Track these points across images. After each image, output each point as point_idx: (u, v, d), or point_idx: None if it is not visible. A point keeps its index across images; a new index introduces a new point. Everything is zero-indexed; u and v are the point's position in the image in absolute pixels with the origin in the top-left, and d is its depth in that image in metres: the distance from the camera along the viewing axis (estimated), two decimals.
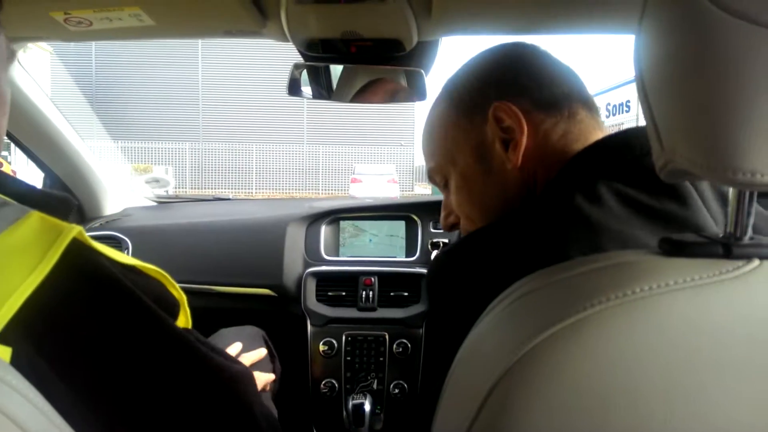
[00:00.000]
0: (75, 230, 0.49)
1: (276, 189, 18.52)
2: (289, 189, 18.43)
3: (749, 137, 0.32)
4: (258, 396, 0.70)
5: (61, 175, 1.51)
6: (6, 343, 0.41)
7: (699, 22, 0.33)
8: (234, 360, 0.68)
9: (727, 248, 0.37)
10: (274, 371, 1.15)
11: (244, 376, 0.66)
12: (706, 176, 0.34)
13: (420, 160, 20.77)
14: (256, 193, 18.13)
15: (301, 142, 19.09)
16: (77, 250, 0.49)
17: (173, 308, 0.65)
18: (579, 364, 0.35)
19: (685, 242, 0.38)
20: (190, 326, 0.70)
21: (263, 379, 1.04)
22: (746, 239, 0.37)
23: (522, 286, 0.42)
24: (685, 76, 0.34)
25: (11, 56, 0.63)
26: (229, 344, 1.08)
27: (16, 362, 0.41)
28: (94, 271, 0.51)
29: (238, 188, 17.98)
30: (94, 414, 0.49)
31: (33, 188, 0.59)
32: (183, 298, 0.67)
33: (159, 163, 17.35)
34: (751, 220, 0.37)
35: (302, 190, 18.34)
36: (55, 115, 1.37)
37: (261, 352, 1.10)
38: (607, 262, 0.39)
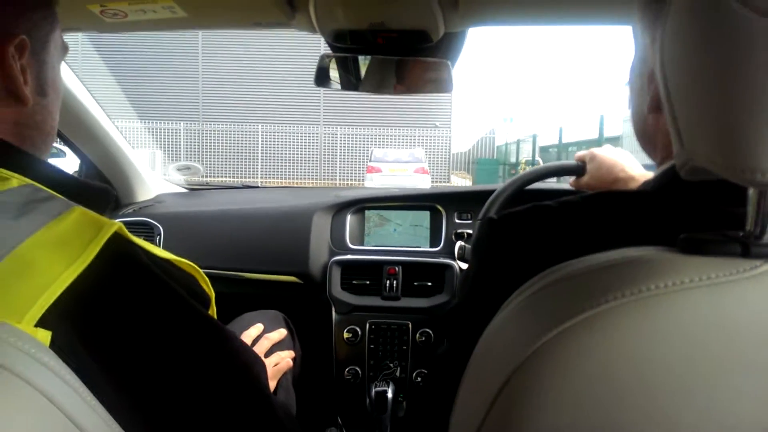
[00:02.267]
0: (115, 226, 0.52)
1: (286, 177, 15.86)
2: (301, 177, 15.84)
3: (766, 137, 0.32)
4: (267, 385, 0.71)
5: (96, 161, 1.56)
6: (46, 327, 0.43)
7: (723, 21, 0.33)
8: (251, 349, 0.71)
9: (746, 247, 0.37)
10: (295, 351, 1.17)
11: (261, 363, 0.69)
12: (724, 175, 0.34)
13: (458, 146, 18.33)
14: (262, 182, 15.28)
15: (317, 122, 16.05)
16: (117, 244, 0.51)
17: (204, 302, 0.67)
18: (591, 360, 0.35)
19: (704, 240, 0.38)
20: None
21: (284, 356, 1.07)
22: (766, 239, 0.37)
23: (539, 280, 0.43)
24: (708, 75, 0.34)
25: (65, 50, 0.66)
26: (251, 326, 1.11)
27: (55, 346, 0.43)
28: (131, 263, 0.53)
29: (240, 175, 15.18)
30: (124, 392, 0.51)
31: (74, 179, 0.62)
32: (212, 294, 0.70)
33: (144, 146, 14.51)
34: None
35: (316, 178, 15.81)
36: (90, 102, 1.41)
37: (282, 332, 1.13)
38: (624, 258, 0.39)
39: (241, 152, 15.86)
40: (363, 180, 13.79)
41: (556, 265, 0.43)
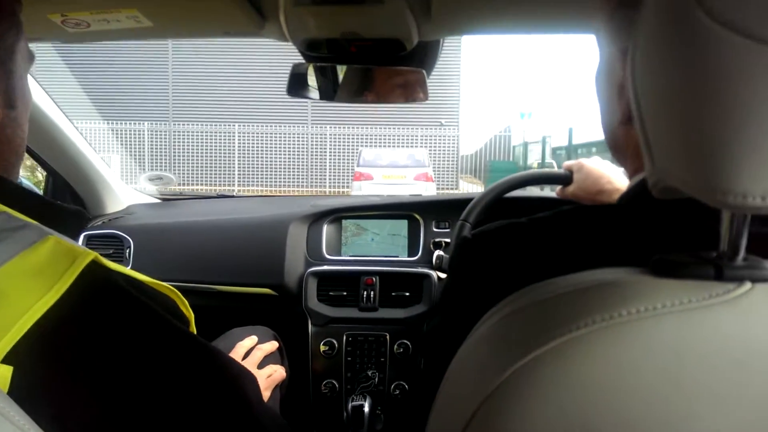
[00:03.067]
0: (91, 255, 0.50)
1: (266, 185, 13.56)
2: (285, 185, 13.59)
3: (740, 158, 0.31)
4: (260, 397, 0.71)
5: (63, 173, 1.51)
6: (9, 362, 0.42)
7: (691, 34, 0.32)
8: (238, 363, 0.71)
9: (719, 270, 0.36)
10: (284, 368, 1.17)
11: (248, 376, 0.68)
12: (696, 196, 0.33)
13: (466, 148, 15.38)
14: (238, 190, 13.05)
15: (303, 121, 13.61)
16: (93, 272, 0.50)
17: (184, 324, 0.66)
18: (562, 389, 0.34)
19: (676, 262, 0.37)
20: None
21: (277, 368, 1.07)
22: (739, 260, 0.36)
23: (509, 303, 0.41)
24: (677, 91, 0.33)
25: (31, 59, 0.64)
26: (242, 339, 1.11)
27: (17, 382, 0.42)
28: (110, 288, 0.52)
29: (214, 183, 13.14)
30: (109, 420, 0.49)
31: (48, 203, 0.60)
32: (192, 317, 0.69)
33: (101, 150, 11.84)
34: (744, 242, 0.36)
35: (302, 186, 13.48)
36: (54, 110, 1.37)
37: (274, 344, 1.14)
38: (595, 281, 0.38)
39: (215, 156, 13.55)
40: (351, 189, 11.23)
41: (527, 286, 0.42)
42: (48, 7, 0.86)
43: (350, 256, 1.51)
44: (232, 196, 2.02)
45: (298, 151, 13.80)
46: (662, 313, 0.34)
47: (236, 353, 1.07)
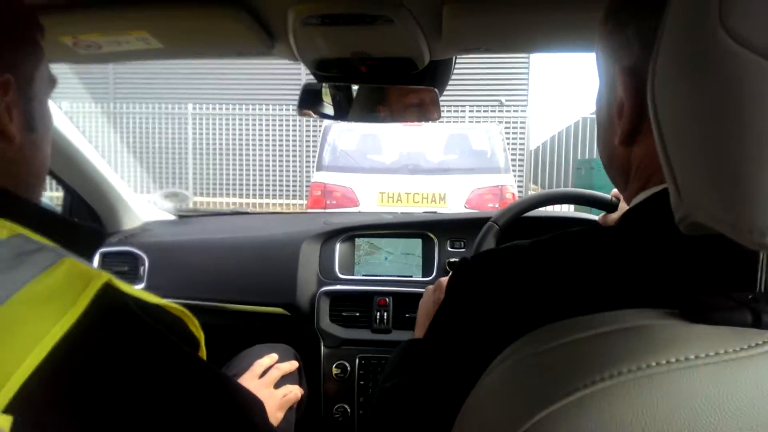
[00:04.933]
0: (105, 277, 0.50)
1: (228, 193, 9.50)
2: (258, 195, 9.43)
3: None
4: (266, 422, 0.70)
5: (80, 190, 1.53)
6: (11, 411, 0.41)
7: (716, 59, 0.29)
8: (246, 390, 0.70)
9: (756, 315, 0.33)
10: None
11: (256, 402, 0.68)
12: (730, 236, 0.30)
13: (537, 137, 9.82)
14: (193, 191, 9.49)
15: (285, 99, 8.99)
16: (106, 296, 0.49)
17: (193, 345, 0.66)
18: None
19: (709, 305, 0.34)
20: None
21: (292, 389, 1.06)
22: None
23: (526, 344, 0.38)
24: (704, 120, 0.30)
25: (53, 83, 0.65)
26: (262, 357, 1.11)
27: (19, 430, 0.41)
28: (122, 315, 0.51)
29: (165, 181, 9.56)
30: None
31: (65, 221, 0.61)
32: (202, 337, 0.68)
33: None
34: None
35: (282, 193, 9.40)
36: (70, 130, 1.38)
37: (293, 364, 1.13)
38: (622, 325, 0.35)
39: (166, 142, 9.70)
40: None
41: (535, 318, 0.39)
42: (60, 29, 0.87)
43: (363, 275, 1.49)
44: (247, 213, 2.02)
45: (281, 141, 9.50)
46: (696, 365, 0.31)
47: (253, 371, 1.06)
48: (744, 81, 0.28)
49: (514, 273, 0.48)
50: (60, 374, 0.44)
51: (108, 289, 0.50)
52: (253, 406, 0.65)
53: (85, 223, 0.64)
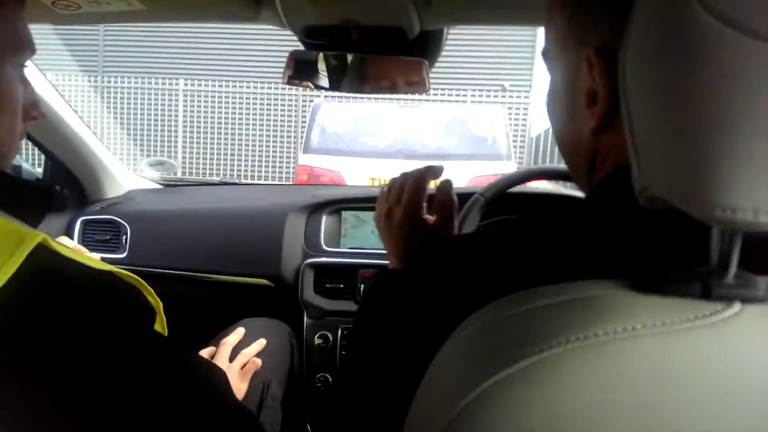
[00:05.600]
0: (39, 237, 0.47)
1: (219, 173, 9.09)
2: (250, 176, 9.05)
3: (731, 168, 0.28)
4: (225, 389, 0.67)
5: (61, 156, 1.50)
6: None
7: (687, 30, 0.29)
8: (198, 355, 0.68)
9: (706, 287, 0.33)
10: (291, 371, 1.15)
11: (218, 373, 0.65)
12: (683, 209, 0.30)
13: (540, 123, 9.06)
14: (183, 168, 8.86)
15: (273, 76, 8.25)
16: (40, 258, 0.47)
17: (148, 314, 0.64)
18: (529, 413, 0.31)
19: (661, 277, 0.34)
20: (165, 333, 0.69)
21: (249, 354, 1.02)
22: (729, 277, 0.33)
23: (480, 316, 0.38)
24: (669, 90, 0.30)
25: (20, 47, 0.60)
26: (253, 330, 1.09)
27: None
28: (55, 278, 0.49)
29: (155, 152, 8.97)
30: (58, 420, 0.47)
31: (9, 180, 0.58)
32: (159, 305, 0.67)
33: None
34: (736, 257, 0.33)
35: (276, 177, 9.05)
36: (51, 95, 1.35)
37: (261, 343, 1.07)
38: (574, 296, 0.35)
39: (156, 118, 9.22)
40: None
41: (491, 293, 0.39)
42: None
43: (349, 248, 1.49)
44: (235, 183, 2.00)
45: (277, 120, 9.09)
46: (641, 335, 0.31)
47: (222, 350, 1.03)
48: (713, 54, 0.28)
49: (477, 254, 0.48)
50: None
51: (42, 251, 0.48)
52: (211, 375, 0.63)
53: (32, 181, 0.61)
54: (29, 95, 0.61)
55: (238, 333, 1.08)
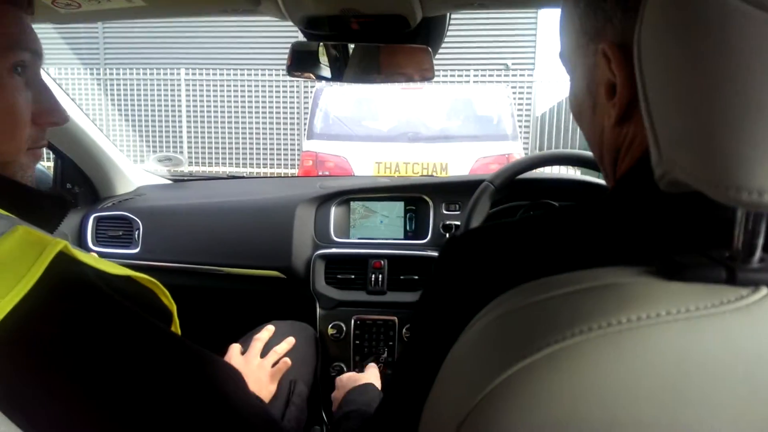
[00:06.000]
0: (60, 245, 0.48)
1: (224, 162, 9.17)
2: (255, 164, 9.09)
3: (756, 150, 0.28)
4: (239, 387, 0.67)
5: (71, 155, 1.51)
6: None
7: (707, 9, 0.28)
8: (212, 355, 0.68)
9: (731, 272, 0.32)
10: (315, 371, 1.16)
11: (232, 374, 0.65)
12: (707, 192, 0.30)
13: (544, 102, 9.19)
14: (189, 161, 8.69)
15: (274, 64, 8.60)
16: (61, 265, 0.48)
17: (164, 317, 0.65)
18: (554, 400, 0.31)
19: (684, 263, 0.34)
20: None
21: (280, 353, 1.03)
22: (754, 262, 0.33)
23: (502, 303, 0.38)
24: (688, 70, 0.30)
25: (10, 49, 0.59)
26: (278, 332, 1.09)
27: None
28: (78, 284, 0.50)
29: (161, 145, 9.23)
30: (76, 419, 0.48)
31: (25, 190, 0.58)
32: (174, 308, 0.67)
33: None
34: (760, 241, 0.32)
35: (281, 165, 9.07)
36: (59, 96, 1.35)
37: (290, 341, 1.08)
38: (596, 282, 0.35)
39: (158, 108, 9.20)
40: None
41: (515, 279, 0.39)
42: None
43: (358, 238, 1.49)
44: (243, 177, 2.01)
45: (276, 111, 9.09)
46: (666, 321, 0.31)
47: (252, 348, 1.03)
48: (734, 33, 0.27)
49: (504, 246, 0.48)
50: (12, 345, 0.44)
51: (63, 259, 0.49)
52: (227, 377, 0.63)
53: (48, 191, 0.62)
54: (45, 101, 0.60)
55: (269, 330, 1.09)
